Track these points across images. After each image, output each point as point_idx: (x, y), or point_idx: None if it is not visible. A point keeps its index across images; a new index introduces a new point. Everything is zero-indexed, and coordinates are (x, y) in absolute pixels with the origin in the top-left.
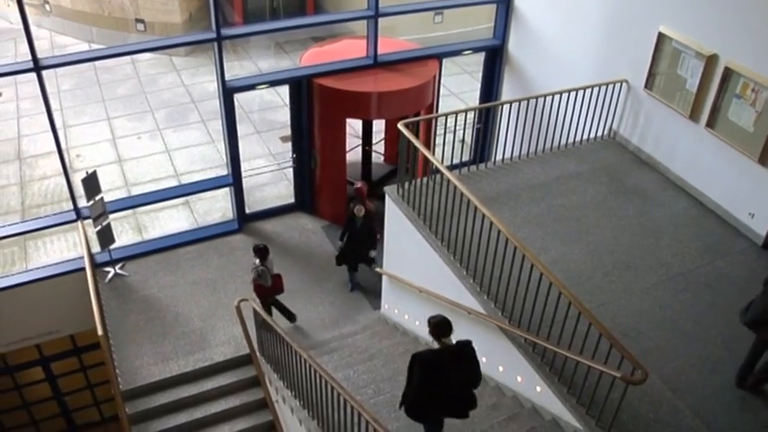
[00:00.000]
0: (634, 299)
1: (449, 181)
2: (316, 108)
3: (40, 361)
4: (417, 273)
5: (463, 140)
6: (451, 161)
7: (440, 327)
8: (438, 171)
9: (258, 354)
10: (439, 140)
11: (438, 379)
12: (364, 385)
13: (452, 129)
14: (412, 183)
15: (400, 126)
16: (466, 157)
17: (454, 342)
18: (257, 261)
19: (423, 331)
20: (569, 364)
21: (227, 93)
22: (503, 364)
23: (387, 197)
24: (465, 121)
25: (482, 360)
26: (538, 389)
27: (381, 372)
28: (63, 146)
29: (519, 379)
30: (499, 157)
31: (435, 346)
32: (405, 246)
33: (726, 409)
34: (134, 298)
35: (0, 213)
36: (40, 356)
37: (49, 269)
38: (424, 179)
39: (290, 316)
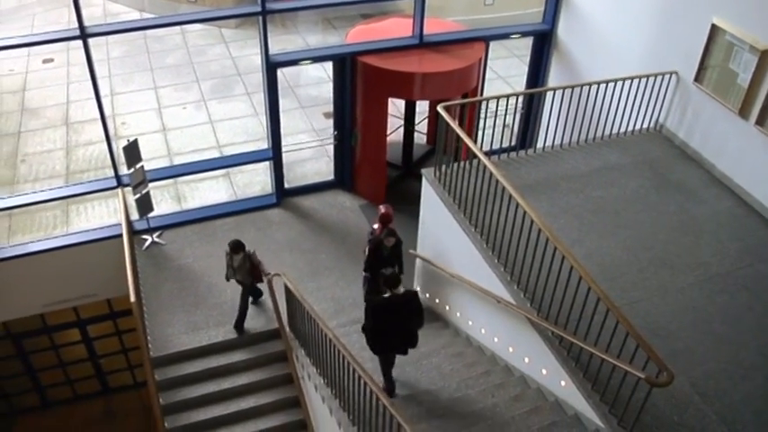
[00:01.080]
0: (668, 297)
1: (485, 166)
2: (359, 86)
3: (77, 323)
4: (450, 258)
5: (506, 125)
6: (491, 146)
7: (390, 279)
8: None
9: (287, 329)
10: (484, 124)
11: (385, 320)
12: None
13: (497, 113)
14: (450, 166)
15: (440, 109)
16: (510, 143)
17: (402, 292)
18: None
19: (454, 316)
20: (595, 360)
21: (271, 67)
22: (528, 355)
23: (423, 179)
24: (506, 105)
25: (509, 350)
26: (562, 383)
27: (410, 353)
28: (109, 113)
29: (544, 371)
30: (541, 144)
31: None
32: (438, 230)
33: (755, 417)
34: (169, 266)
35: (45, 177)
36: (77, 319)
37: (88, 234)
38: (461, 163)
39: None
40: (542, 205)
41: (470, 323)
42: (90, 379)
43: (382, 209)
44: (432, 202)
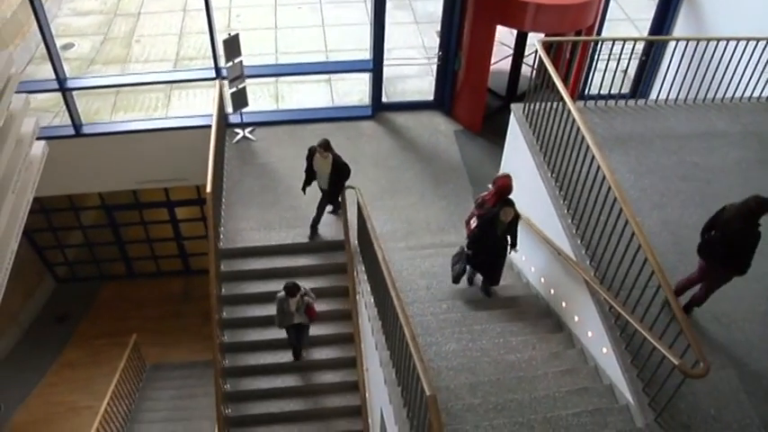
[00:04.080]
0: (741, 283)
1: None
2: (468, 9)
3: (167, 203)
4: (522, 199)
5: (623, 71)
6: (599, 90)
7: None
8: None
9: (354, 242)
10: (595, 66)
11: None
12: (442, 298)
13: (610, 56)
14: (540, 105)
15: (537, 44)
16: (621, 90)
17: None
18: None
19: (518, 259)
20: (640, 334)
21: None
22: (579, 314)
23: (512, 114)
24: (621, 50)
25: (562, 305)
26: (604, 350)
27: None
28: (225, 5)
29: (589, 334)
30: (654, 96)
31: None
32: (517, 168)
33: None
34: (255, 163)
35: (154, 60)
36: (167, 199)
37: (185, 120)
38: (552, 104)
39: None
40: (629, 161)
41: (532, 269)
42: (173, 258)
43: (500, 177)
44: (516, 138)
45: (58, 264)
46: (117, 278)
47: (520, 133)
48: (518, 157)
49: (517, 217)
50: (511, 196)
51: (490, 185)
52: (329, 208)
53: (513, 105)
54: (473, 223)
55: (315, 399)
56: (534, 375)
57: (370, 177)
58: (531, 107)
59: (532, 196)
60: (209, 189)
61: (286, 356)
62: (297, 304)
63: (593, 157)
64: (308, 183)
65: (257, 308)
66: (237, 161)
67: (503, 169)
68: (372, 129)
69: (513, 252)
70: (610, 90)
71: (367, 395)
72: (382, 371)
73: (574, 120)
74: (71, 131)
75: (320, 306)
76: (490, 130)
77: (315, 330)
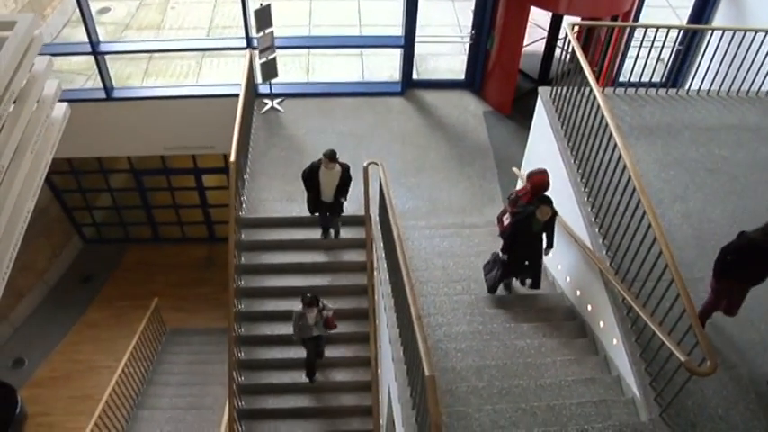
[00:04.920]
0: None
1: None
2: None
3: (194, 170)
4: None
5: (660, 59)
6: (629, 77)
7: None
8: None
9: (374, 218)
10: (637, 53)
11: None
12: (457, 279)
13: (642, 43)
14: (568, 89)
15: (566, 26)
16: (651, 78)
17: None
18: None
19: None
20: (651, 327)
21: None
22: (592, 303)
23: (539, 97)
24: (654, 37)
25: (576, 293)
26: (614, 341)
27: (479, 272)
28: None
29: (601, 324)
30: (689, 86)
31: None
32: (542, 152)
33: None
34: (281, 134)
35: (188, 27)
36: (194, 166)
37: (215, 88)
38: (579, 89)
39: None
40: (655, 151)
41: (550, 255)
42: (198, 225)
43: (536, 173)
44: (542, 122)
45: (86, 225)
46: (142, 242)
47: (546, 117)
48: (543, 142)
49: (554, 215)
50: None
51: (515, 170)
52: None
53: (540, 89)
54: (506, 220)
55: (327, 371)
56: (542, 362)
57: (396, 154)
58: (559, 91)
59: (554, 182)
60: (232, 158)
61: None
62: (315, 318)
63: (616, 144)
64: (315, 201)
65: (274, 278)
66: (264, 132)
67: (527, 153)
68: (401, 105)
69: (548, 253)
70: (640, 78)
71: (378, 371)
72: (391, 348)
73: (599, 106)
74: (102, 95)
75: (338, 280)
76: (520, 113)
77: (330, 304)
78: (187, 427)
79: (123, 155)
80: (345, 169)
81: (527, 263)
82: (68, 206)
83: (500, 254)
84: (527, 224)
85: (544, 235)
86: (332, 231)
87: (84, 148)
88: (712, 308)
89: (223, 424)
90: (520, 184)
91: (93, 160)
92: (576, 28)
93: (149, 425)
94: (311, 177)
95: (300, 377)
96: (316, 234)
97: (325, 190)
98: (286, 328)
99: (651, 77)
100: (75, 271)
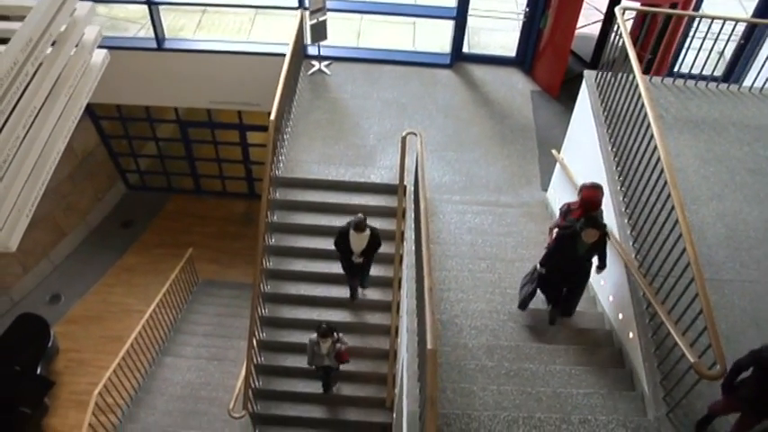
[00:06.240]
0: None
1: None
2: None
3: (239, 126)
4: (581, 168)
5: (720, 53)
6: (688, 69)
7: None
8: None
9: (408, 188)
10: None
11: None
12: (483, 257)
13: (713, 36)
14: (613, 74)
15: (617, 11)
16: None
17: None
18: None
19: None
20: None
21: None
22: (614, 294)
23: (584, 80)
24: (708, 29)
25: (600, 283)
26: (630, 335)
27: (506, 252)
28: None
29: (620, 316)
30: (747, 83)
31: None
32: (580, 136)
33: None
34: (326, 97)
35: None
36: (239, 122)
37: (265, 46)
38: (626, 75)
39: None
40: (697, 146)
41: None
42: (239, 180)
43: (586, 187)
44: (584, 105)
45: (130, 171)
46: (184, 192)
47: (588, 101)
48: (583, 125)
49: (604, 237)
50: (586, 181)
51: (554, 152)
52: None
53: (585, 72)
54: (551, 236)
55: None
56: (555, 348)
57: (438, 126)
58: (604, 75)
59: (590, 168)
60: (272, 116)
61: (328, 290)
62: (328, 349)
63: (653, 134)
64: (345, 262)
65: (305, 239)
66: (309, 93)
67: (568, 136)
68: (449, 78)
69: (598, 272)
70: (700, 70)
71: (398, 340)
72: (407, 320)
73: (640, 94)
74: (154, 45)
75: None
76: (568, 95)
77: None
78: (208, 377)
79: (171, 105)
80: (374, 234)
81: (565, 289)
82: (115, 151)
83: (538, 266)
84: (571, 244)
85: (595, 258)
86: (360, 290)
87: (133, 95)
88: (720, 412)
89: (240, 377)
90: (558, 169)
91: (141, 108)
92: (626, 12)
93: (172, 371)
94: (342, 241)
95: None
96: (349, 199)
97: (355, 251)
98: (312, 289)
99: (705, 70)
100: (117, 215)
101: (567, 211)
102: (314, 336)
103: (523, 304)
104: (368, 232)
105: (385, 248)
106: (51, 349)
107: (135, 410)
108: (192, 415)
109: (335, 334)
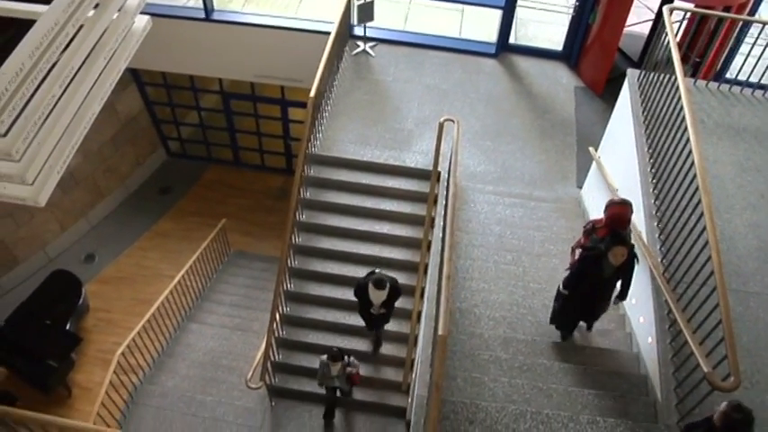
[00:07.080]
0: None
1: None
2: None
3: (281, 101)
4: (616, 168)
5: None
6: (735, 75)
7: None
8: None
9: (443, 174)
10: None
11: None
12: (510, 249)
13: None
14: (656, 75)
15: (665, 10)
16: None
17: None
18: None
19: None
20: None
21: None
22: (637, 296)
23: (626, 79)
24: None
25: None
26: (649, 339)
27: (534, 246)
28: None
29: (641, 320)
30: None
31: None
32: (618, 134)
33: None
34: (368, 78)
35: None
36: (282, 97)
37: (312, 24)
38: (669, 77)
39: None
40: (736, 153)
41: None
42: (278, 155)
43: (614, 203)
44: (625, 104)
45: (171, 138)
46: (223, 163)
47: (629, 100)
48: (622, 124)
49: (632, 259)
50: (619, 196)
51: (591, 150)
52: None
53: (629, 70)
54: (578, 253)
55: None
56: (573, 346)
57: (478, 115)
58: (647, 75)
59: (624, 167)
60: (312, 93)
61: (355, 271)
62: (338, 371)
63: (689, 138)
64: (365, 313)
65: (334, 218)
66: (352, 73)
67: (606, 135)
68: (492, 67)
69: (617, 303)
70: (749, 77)
71: (419, 325)
72: (427, 305)
73: (680, 96)
74: (202, 15)
75: (397, 230)
76: (612, 93)
77: (386, 253)
78: (230, 347)
79: (215, 76)
80: (394, 287)
81: (588, 308)
82: (158, 118)
83: (561, 286)
84: (596, 266)
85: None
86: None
87: (178, 64)
88: None
89: (261, 348)
90: (594, 167)
91: (185, 77)
92: (676, 13)
93: (196, 337)
94: (361, 294)
95: (344, 318)
96: (383, 182)
97: (375, 303)
98: (338, 268)
99: (752, 77)
100: (155, 181)
101: (591, 229)
102: (324, 357)
103: (553, 319)
104: (387, 287)
105: (414, 233)
106: (82, 307)
107: (156, 373)
108: (212, 382)
109: (346, 357)
